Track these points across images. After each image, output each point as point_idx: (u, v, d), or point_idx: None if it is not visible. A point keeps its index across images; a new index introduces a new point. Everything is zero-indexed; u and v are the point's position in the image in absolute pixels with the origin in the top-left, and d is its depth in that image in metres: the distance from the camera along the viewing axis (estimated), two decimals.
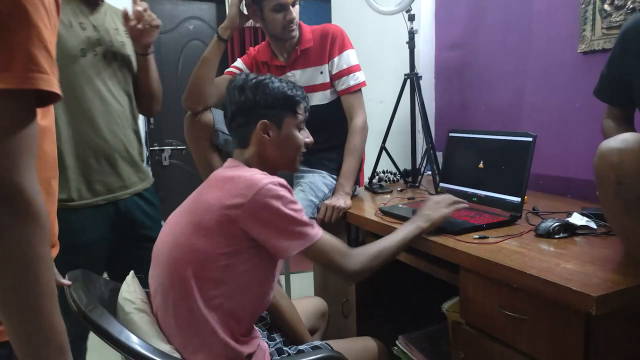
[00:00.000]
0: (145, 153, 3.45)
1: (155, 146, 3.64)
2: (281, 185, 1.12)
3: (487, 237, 1.29)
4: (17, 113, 0.63)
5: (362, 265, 1.20)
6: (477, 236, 1.30)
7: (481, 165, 1.59)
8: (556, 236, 1.27)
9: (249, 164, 1.23)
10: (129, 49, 1.61)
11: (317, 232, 1.16)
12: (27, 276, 0.64)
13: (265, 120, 1.22)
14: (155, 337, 1.07)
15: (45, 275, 0.66)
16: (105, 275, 1.60)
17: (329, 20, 2.74)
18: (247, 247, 1.11)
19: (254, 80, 1.24)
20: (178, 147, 3.60)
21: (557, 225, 1.28)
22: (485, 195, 1.56)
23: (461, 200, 1.43)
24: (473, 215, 1.47)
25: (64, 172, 1.41)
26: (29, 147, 0.65)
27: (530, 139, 1.43)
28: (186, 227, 1.13)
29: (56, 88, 0.66)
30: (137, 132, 1.64)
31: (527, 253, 1.16)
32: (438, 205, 1.38)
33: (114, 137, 1.53)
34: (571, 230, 1.29)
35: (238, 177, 1.13)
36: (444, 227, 1.37)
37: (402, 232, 1.30)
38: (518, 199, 1.44)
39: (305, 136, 1.32)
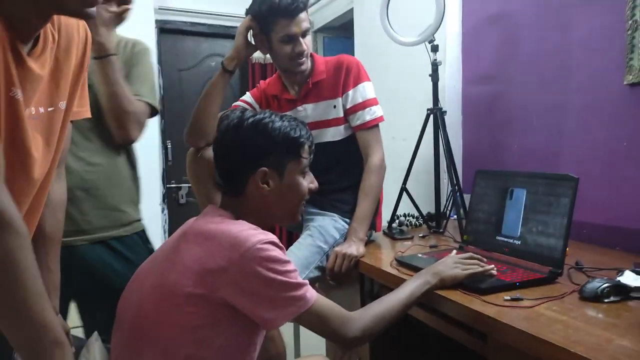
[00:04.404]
0: (162, 190, 3.39)
1: (173, 183, 3.56)
2: (273, 243, 0.95)
3: (522, 299, 1.08)
4: None
5: (363, 331, 1.01)
6: (509, 297, 1.09)
7: (514, 210, 1.38)
8: (606, 300, 1.04)
9: (239, 215, 1.05)
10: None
11: (312, 294, 0.98)
12: (11, 281, 0.70)
13: (265, 169, 1.05)
14: None
15: (27, 277, 0.72)
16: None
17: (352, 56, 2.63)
18: (226, 317, 0.94)
19: (251, 120, 1.08)
20: None
21: (607, 287, 1.05)
22: (518, 246, 1.34)
23: (485, 264, 1.22)
24: (504, 270, 1.26)
25: None
26: None
27: (572, 182, 1.23)
28: (154, 291, 0.96)
29: None
30: (118, 166, 1.41)
31: (571, 323, 0.94)
32: (455, 265, 1.20)
33: (71, 168, 1.27)
34: (624, 293, 1.06)
35: (222, 232, 0.96)
36: (467, 284, 1.17)
37: (409, 288, 1.12)
38: (558, 253, 1.22)
39: (309, 181, 1.15)
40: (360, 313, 1.05)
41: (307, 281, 1.00)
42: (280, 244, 0.98)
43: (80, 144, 1.36)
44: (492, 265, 1.22)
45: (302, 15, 1.55)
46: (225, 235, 0.95)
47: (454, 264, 1.21)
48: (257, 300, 0.93)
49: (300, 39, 1.57)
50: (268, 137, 1.06)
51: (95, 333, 1.04)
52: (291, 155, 1.09)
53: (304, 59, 1.61)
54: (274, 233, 0.99)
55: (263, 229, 1.02)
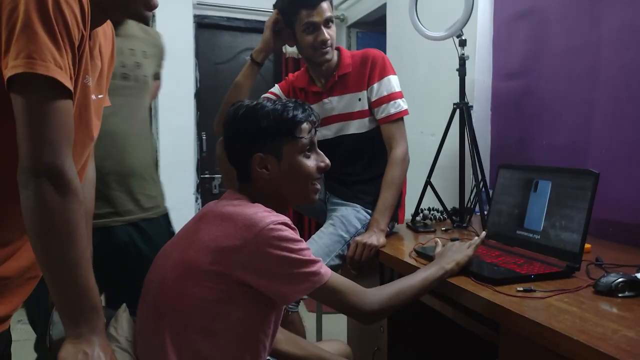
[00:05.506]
0: (196, 180, 3.51)
1: (207, 174, 3.66)
2: (285, 224, 1.00)
3: (534, 291, 1.09)
4: (40, 102, 0.75)
5: (380, 304, 1.06)
6: (522, 288, 1.10)
7: (535, 206, 1.38)
8: (620, 294, 1.04)
9: (253, 198, 1.10)
10: (146, 70, 1.53)
11: (326, 270, 1.03)
12: (67, 241, 0.77)
13: (259, 154, 1.07)
14: None
15: (82, 242, 0.80)
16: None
17: (384, 51, 2.64)
18: (242, 293, 0.99)
19: (244, 109, 1.10)
20: None
21: (622, 282, 1.05)
22: (538, 240, 1.34)
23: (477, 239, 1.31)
24: (521, 264, 1.27)
25: None
26: (67, 137, 0.79)
27: (592, 177, 1.22)
28: (175, 267, 1.02)
29: (57, 75, 0.75)
30: (142, 155, 1.52)
31: (579, 313, 0.95)
32: (461, 248, 1.26)
33: (105, 157, 1.37)
34: (639, 289, 1.06)
35: (238, 214, 1.01)
36: (483, 274, 1.19)
37: (424, 272, 1.17)
38: (576, 247, 1.22)
39: (319, 160, 1.14)
40: (377, 290, 1.10)
41: (320, 258, 1.04)
42: (293, 225, 1.03)
43: (128, 137, 1.49)
44: (484, 232, 1.36)
45: (324, 5, 1.58)
46: (241, 216, 1.00)
47: (458, 248, 1.27)
48: (272, 277, 0.98)
49: (323, 28, 1.60)
50: (257, 123, 1.07)
51: (124, 305, 1.11)
52: (285, 136, 1.08)
53: (327, 48, 1.64)
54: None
55: (281, 211, 1.07)
